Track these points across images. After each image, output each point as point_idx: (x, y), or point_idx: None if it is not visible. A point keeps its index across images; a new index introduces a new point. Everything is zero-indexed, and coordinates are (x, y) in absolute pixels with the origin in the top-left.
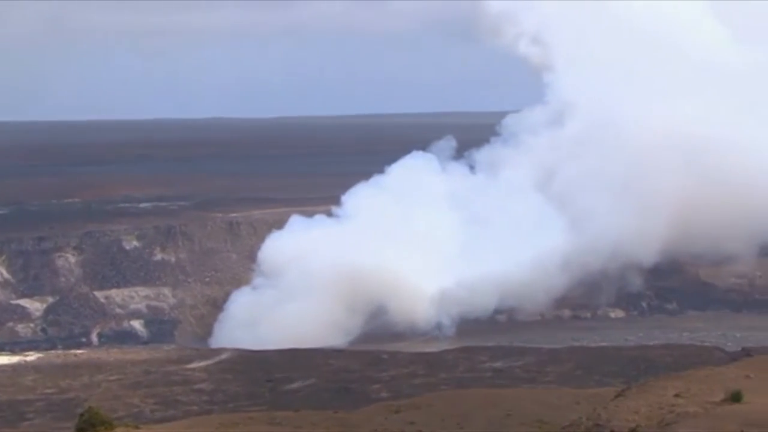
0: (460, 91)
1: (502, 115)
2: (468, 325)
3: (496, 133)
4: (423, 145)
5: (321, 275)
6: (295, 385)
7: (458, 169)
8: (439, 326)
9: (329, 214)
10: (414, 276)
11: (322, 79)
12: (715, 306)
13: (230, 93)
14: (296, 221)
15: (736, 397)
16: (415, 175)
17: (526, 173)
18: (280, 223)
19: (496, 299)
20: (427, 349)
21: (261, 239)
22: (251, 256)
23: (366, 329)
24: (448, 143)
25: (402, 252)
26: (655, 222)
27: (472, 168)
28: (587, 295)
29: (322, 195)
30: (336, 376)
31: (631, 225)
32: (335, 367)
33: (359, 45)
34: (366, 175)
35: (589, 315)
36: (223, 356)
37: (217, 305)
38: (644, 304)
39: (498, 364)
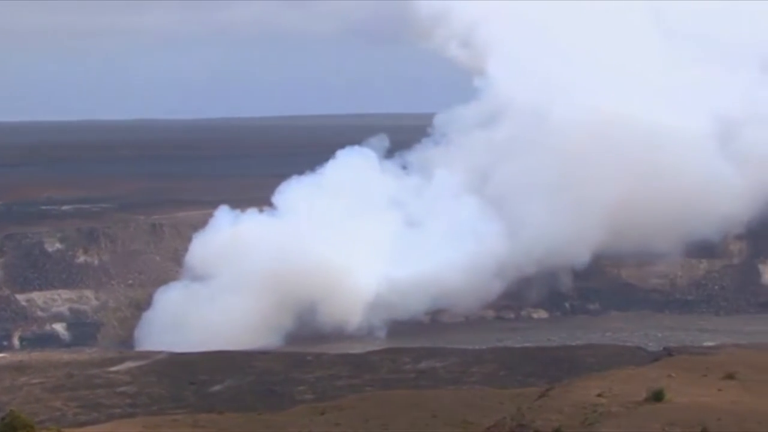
0: (388, 92)
1: (431, 116)
2: (399, 327)
3: (426, 134)
4: (351, 145)
5: (250, 274)
6: (219, 387)
7: (392, 168)
8: (370, 328)
9: (261, 210)
10: (346, 277)
11: (248, 81)
12: (637, 306)
13: (155, 94)
14: (225, 215)
15: (657, 397)
16: (351, 172)
17: (460, 174)
18: (204, 225)
19: (429, 302)
20: (354, 351)
21: (185, 241)
22: (175, 258)
23: (296, 330)
24: (381, 142)
25: (335, 252)
26: (588, 223)
27: (405, 168)
28: (512, 296)
29: (248, 197)
30: (260, 378)
31: (565, 227)
32: (259, 369)
33: (286, 46)
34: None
35: (512, 316)
36: (147, 359)
37: (140, 307)
38: (567, 305)
39: (422, 366)
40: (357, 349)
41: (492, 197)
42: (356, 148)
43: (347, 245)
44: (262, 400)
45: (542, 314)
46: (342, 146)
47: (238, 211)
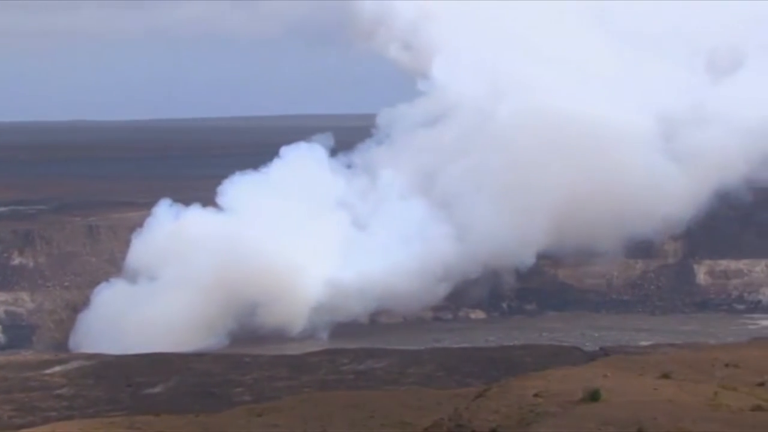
0: (331, 93)
1: (375, 117)
2: (340, 328)
3: (369, 135)
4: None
5: (192, 274)
6: (156, 390)
7: (338, 168)
8: (313, 330)
9: (204, 205)
10: (290, 278)
11: (188, 82)
12: (573, 306)
13: (93, 95)
14: (167, 210)
15: (594, 396)
16: (298, 170)
17: (406, 175)
18: (141, 226)
19: (374, 305)
20: (293, 352)
21: (121, 242)
22: (111, 260)
23: (238, 331)
24: (326, 140)
25: (280, 252)
26: (534, 224)
27: (350, 168)
28: (450, 297)
29: (185, 197)
30: (198, 380)
31: (512, 229)
32: (197, 371)
33: (227, 47)
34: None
35: (450, 316)
36: (84, 361)
37: (76, 309)
38: (504, 305)
39: (360, 367)
40: (298, 350)
41: (439, 198)
42: (303, 144)
43: (293, 245)
44: (200, 401)
45: (480, 315)
46: (283, 147)
47: (180, 206)
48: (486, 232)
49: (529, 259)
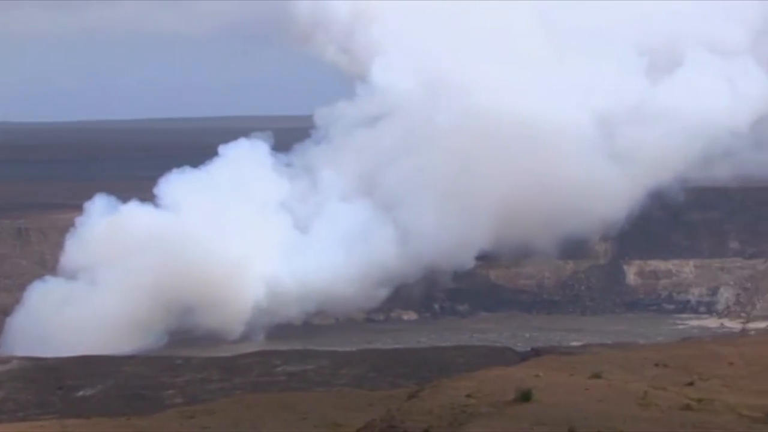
0: (267, 94)
1: (311, 119)
2: (275, 330)
3: (308, 135)
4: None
5: (127, 274)
6: (86, 392)
7: (279, 167)
8: (249, 332)
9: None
10: (229, 279)
11: (121, 82)
12: (505, 307)
13: (19, 96)
14: (102, 206)
15: (525, 396)
16: (239, 169)
17: (347, 176)
18: (71, 228)
19: (313, 309)
20: (223, 354)
21: (52, 245)
22: (41, 262)
23: (173, 333)
24: (266, 140)
25: (218, 253)
26: (475, 226)
27: (289, 167)
28: (383, 299)
29: (120, 199)
30: (129, 383)
31: (453, 231)
32: (128, 373)
33: (161, 47)
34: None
35: (382, 318)
36: (12, 364)
37: (6, 312)
38: (436, 306)
39: (292, 368)
40: (230, 352)
41: (381, 200)
42: (244, 141)
43: (232, 246)
44: (131, 404)
45: (412, 316)
46: (213, 149)
47: (116, 202)
48: (427, 235)
49: (468, 261)
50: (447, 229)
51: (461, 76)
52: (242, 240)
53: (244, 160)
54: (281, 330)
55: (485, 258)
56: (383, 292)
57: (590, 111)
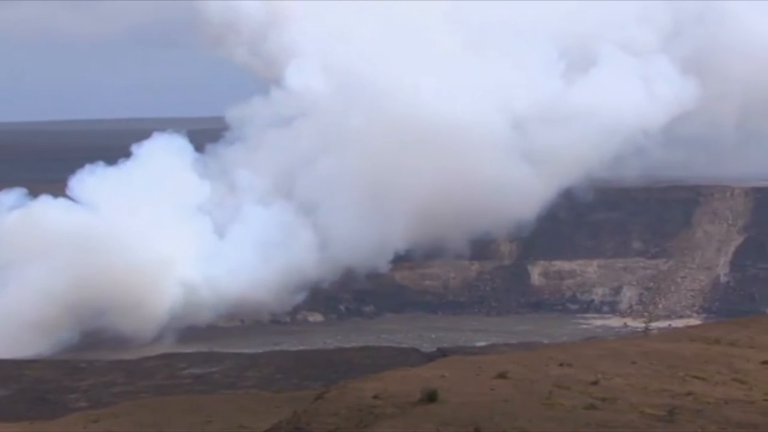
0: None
1: (220, 120)
2: (177, 332)
3: (221, 137)
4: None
5: (37, 273)
6: None
7: (197, 167)
8: (160, 335)
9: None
10: (142, 282)
11: (25, 85)
12: (411, 308)
13: None
14: (11, 199)
15: (431, 397)
16: (156, 168)
17: (265, 178)
18: None
19: (228, 312)
20: (128, 357)
21: None
22: None
23: (81, 336)
24: (180, 138)
25: (132, 254)
26: (392, 228)
27: (206, 167)
28: (289, 300)
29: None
30: (32, 386)
31: (371, 234)
32: (31, 377)
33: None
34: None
35: (288, 319)
36: None
37: None
38: (342, 308)
39: (197, 371)
40: (135, 355)
41: (299, 203)
42: (161, 138)
43: (149, 249)
44: (34, 408)
45: (318, 317)
46: (119, 150)
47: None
48: (346, 239)
49: (384, 263)
50: (365, 232)
51: (377, 77)
52: (159, 242)
53: (162, 159)
54: (186, 332)
55: (395, 259)
56: (300, 297)
57: (505, 111)
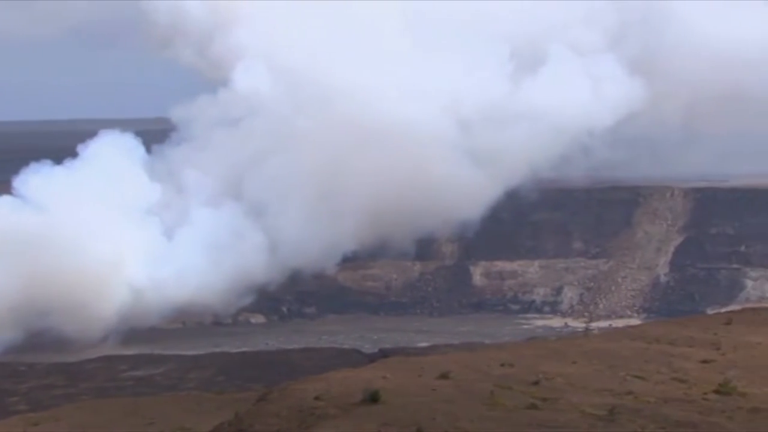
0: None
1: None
2: (119, 334)
3: (166, 137)
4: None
5: None
6: None
7: (146, 167)
8: (105, 337)
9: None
10: (88, 283)
11: None
12: (353, 309)
13: None
14: None
15: (373, 398)
16: (105, 168)
17: (214, 180)
18: None
19: (174, 315)
20: (69, 359)
21: None
22: None
23: (25, 338)
24: (129, 137)
25: (78, 255)
26: (340, 229)
27: (152, 168)
28: (236, 303)
29: None
30: None
31: (319, 235)
32: None
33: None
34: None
35: (230, 321)
36: None
37: None
38: (284, 309)
39: (139, 373)
40: (76, 357)
41: (248, 204)
42: (110, 137)
43: (94, 248)
44: None
45: (260, 319)
46: (70, 152)
47: None
48: (295, 241)
49: (332, 264)
50: (314, 234)
51: (325, 78)
52: (107, 244)
53: (110, 159)
54: (127, 334)
55: (340, 260)
56: (247, 300)
57: (453, 111)
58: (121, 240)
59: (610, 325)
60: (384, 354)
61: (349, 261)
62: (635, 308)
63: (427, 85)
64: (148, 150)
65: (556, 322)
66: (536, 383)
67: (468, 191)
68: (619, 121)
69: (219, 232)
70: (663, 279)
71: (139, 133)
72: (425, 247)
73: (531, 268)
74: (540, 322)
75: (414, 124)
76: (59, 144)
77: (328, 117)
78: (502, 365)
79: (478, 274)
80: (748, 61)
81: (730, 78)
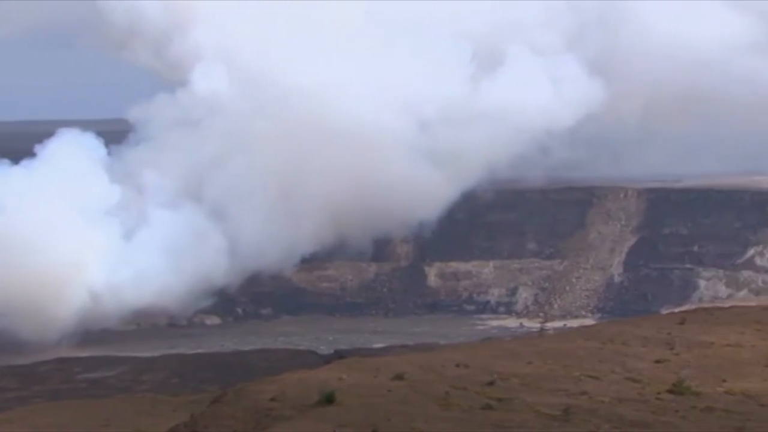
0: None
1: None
2: (76, 336)
3: (122, 138)
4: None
5: None
6: None
7: (106, 167)
8: (61, 339)
9: None
10: (48, 287)
11: None
12: (308, 310)
13: None
14: None
15: (329, 399)
16: (65, 167)
17: (173, 180)
18: None
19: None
20: (21, 362)
21: None
22: None
23: None
24: (88, 137)
25: (37, 256)
26: (300, 231)
27: (111, 169)
28: (194, 305)
29: None
30: None
31: (279, 237)
32: None
33: None
34: None
35: (185, 322)
36: None
37: None
38: (239, 310)
39: (93, 375)
40: (29, 359)
41: (208, 206)
42: (71, 138)
43: (52, 250)
44: None
45: (215, 320)
46: (27, 153)
47: None
48: (255, 243)
49: (291, 266)
50: (273, 235)
51: (284, 78)
52: (65, 246)
53: (69, 159)
54: (81, 336)
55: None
56: (207, 303)
57: (413, 111)
58: (80, 242)
59: (565, 325)
60: (340, 355)
61: (306, 262)
62: (589, 308)
63: (387, 85)
64: (108, 151)
65: (511, 322)
66: (491, 384)
67: (426, 191)
68: (578, 121)
69: (178, 234)
70: (617, 279)
71: (98, 134)
72: (381, 248)
73: (486, 269)
74: (495, 323)
75: (373, 125)
76: (16, 145)
77: (287, 117)
78: (457, 366)
79: (433, 274)
80: (704, 61)
81: (687, 78)
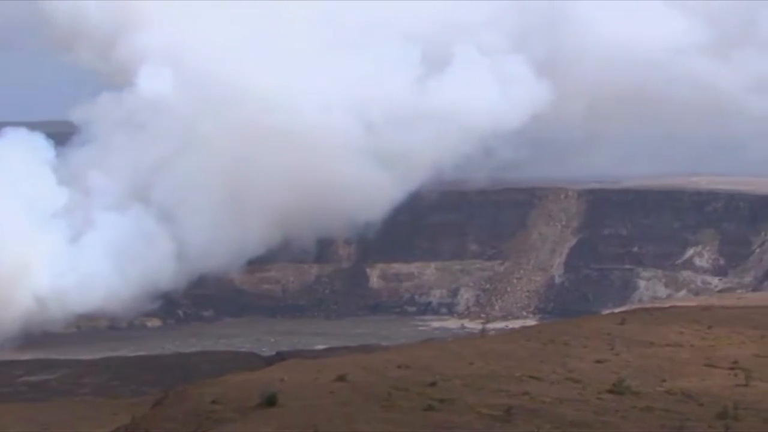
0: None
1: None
2: (15, 339)
3: (66, 140)
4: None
5: None
6: None
7: (57, 170)
8: (3, 344)
9: None
10: None
11: None
12: (250, 312)
13: None
14: None
15: (270, 401)
16: (12, 166)
17: (119, 183)
18: None
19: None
20: None
21: None
22: None
23: None
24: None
25: None
26: (248, 234)
27: (56, 170)
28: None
29: None
30: None
31: (226, 239)
32: None
33: None
34: None
35: (125, 325)
36: None
37: None
38: (181, 312)
39: (33, 378)
40: None
41: (156, 209)
42: (15, 138)
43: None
44: None
45: (156, 322)
46: None
47: None
48: (202, 247)
49: (238, 268)
50: (220, 238)
51: (231, 79)
52: (10, 249)
53: (16, 160)
54: (21, 339)
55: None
56: (155, 306)
57: (360, 112)
58: (26, 245)
59: (506, 325)
60: (281, 357)
61: (249, 263)
62: (531, 309)
63: (334, 87)
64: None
65: (453, 323)
66: (433, 384)
67: (372, 192)
68: (524, 122)
69: (125, 237)
70: (558, 280)
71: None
72: (324, 250)
73: (427, 270)
74: (437, 324)
75: (319, 125)
76: None
77: (234, 119)
78: (399, 367)
79: (375, 276)
80: (648, 62)
81: (631, 79)
